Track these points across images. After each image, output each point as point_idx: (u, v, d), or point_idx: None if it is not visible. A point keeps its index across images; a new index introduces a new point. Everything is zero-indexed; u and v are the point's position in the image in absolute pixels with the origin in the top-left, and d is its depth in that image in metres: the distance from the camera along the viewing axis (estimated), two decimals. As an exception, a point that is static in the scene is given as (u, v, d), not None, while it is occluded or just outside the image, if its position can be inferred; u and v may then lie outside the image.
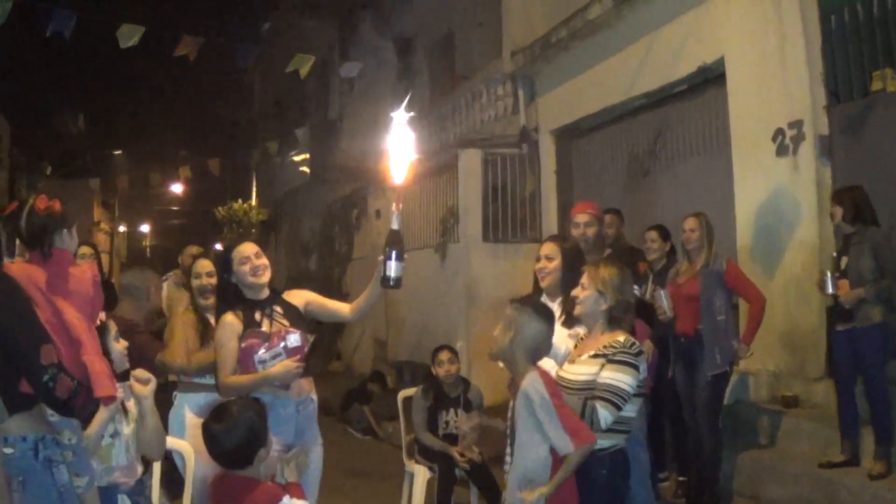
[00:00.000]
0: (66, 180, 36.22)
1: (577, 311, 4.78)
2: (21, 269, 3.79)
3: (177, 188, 39.63)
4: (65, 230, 4.00)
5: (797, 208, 8.17)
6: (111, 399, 3.73)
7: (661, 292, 7.28)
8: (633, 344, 4.55)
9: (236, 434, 3.98)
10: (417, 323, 15.21)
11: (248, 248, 5.34)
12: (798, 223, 8.17)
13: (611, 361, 4.45)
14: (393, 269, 4.99)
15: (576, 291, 4.79)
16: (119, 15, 10.34)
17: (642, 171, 10.65)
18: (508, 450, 4.44)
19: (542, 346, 4.56)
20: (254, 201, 31.18)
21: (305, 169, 23.78)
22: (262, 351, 5.05)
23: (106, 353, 4.06)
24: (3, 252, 4.04)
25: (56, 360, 3.38)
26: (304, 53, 12.98)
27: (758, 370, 8.33)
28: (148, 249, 46.79)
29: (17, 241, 4.01)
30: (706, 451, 7.18)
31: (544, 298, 5.43)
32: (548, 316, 4.64)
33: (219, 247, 16.31)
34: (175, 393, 6.22)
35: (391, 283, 5.04)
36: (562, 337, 5.11)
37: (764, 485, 7.38)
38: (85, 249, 7.41)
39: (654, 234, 8.22)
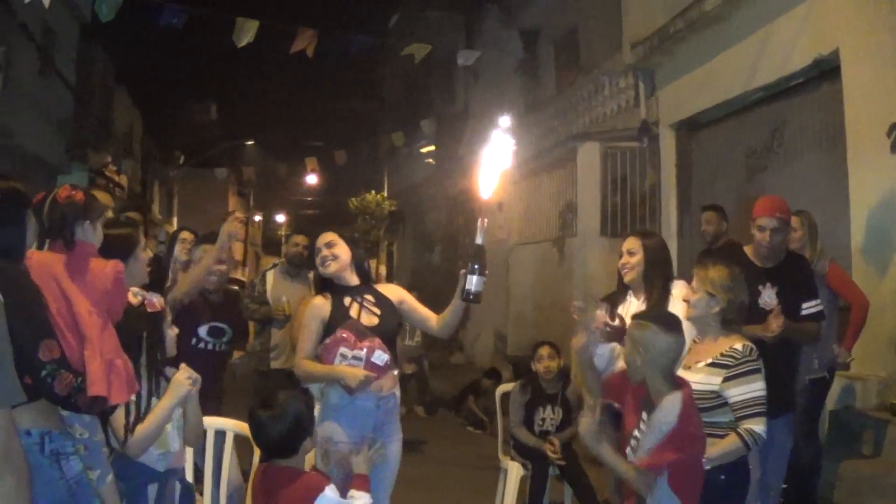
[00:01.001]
0: (198, 170, 37.01)
1: (688, 314, 4.69)
2: (41, 258, 3.73)
3: (311, 179, 40.23)
4: (87, 222, 3.92)
5: (912, 208, 7.81)
6: (102, 400, 3.57)
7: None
8: (752, 350, 4.46)
9: (283, 423, 3.95)
10: (536, 317, 15.17)
11: (322, 238, 5.32)
12: (913, 223, 7.81)
13: (738, 376, 4.37)
14: (474, 283, 4.94)
15: (686, 295, 4.74)
16: (235, 9, 10.35)
17: (760, 167, 10.36)
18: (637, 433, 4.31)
19: (677, 359, 4.38)
20: (385, 192, 31.50)
21: (432, 161, 23.90)
22: (346, 347, 4.99)
23: (160, 339, 4.17)
24: (33, 242, 3.84)
25: (57, 356, 3.33)
26: (429, 44, 13.07)
27: (867, 376, 8.00)
28: (283, 238, 47.52)
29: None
30: (803, 458, 6.94)
31: (629, 295, 5.35)
32: (675, 325, 4.39)
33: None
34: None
35: (471, 298, 4.99)
36: None
37: (864, 497, 7.05)
38: (186, 235, 7.55)
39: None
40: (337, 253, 5.23)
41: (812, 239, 7.09)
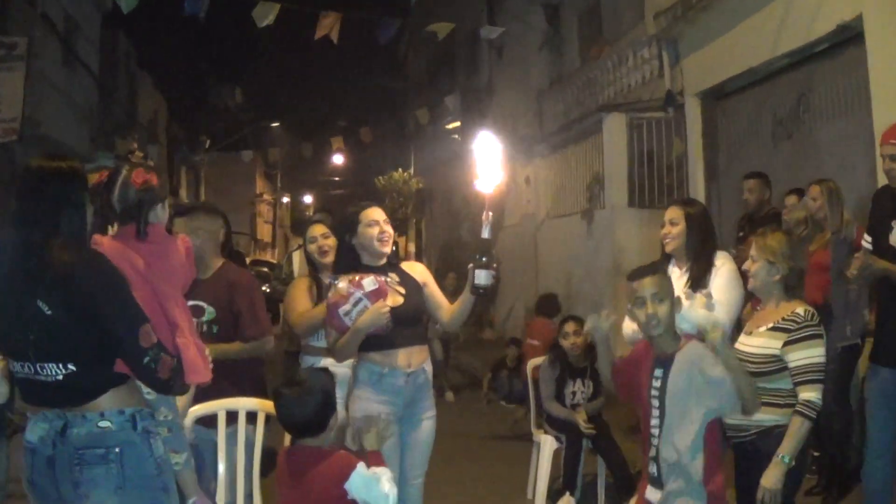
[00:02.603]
0: (225, 153, 37.12)
1: (751, 284, 4.71)
2: (114, 245, 3.66)
3: (338, 159, 40.23)
4: (159, 205, 3.87)
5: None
6: (186, 387, 3.69)
7: None
8: (814, 314, 4.49)
9: (311, 400, 3.93)
10: (566, 290, 15.16)
11: (378, 213, 5.23)
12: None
13: (799, 340, 4.40)
14: (483, 277, 4.93)
15: (746, 265, 4.72)
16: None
17: (786, 134, 10.30)
18: (655, 422, 4.31)
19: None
20: (412, 170, 31.49)
21: (457, 137, 23.86)
22: (343, 307, 4.95)
23: None
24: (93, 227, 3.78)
25: (155, 341, 3.33)
26: (453, 22, 13.05)
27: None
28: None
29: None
30: (835, 426, 6.92)
31: (672, 265, 5.32)
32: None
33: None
34: (301, 355, 6.36)
35: (480, 292, 4.99)
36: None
37: (896, 463, 7.07)
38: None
39: (793, 199, 7.89)
40: (392, 232, 5.23)
41: (835, 208, 7.04)
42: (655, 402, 4.28)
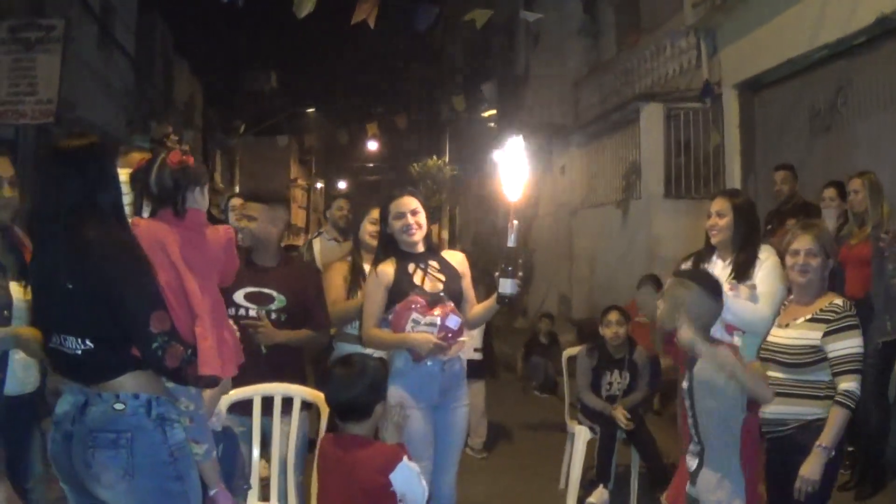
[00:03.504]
0: (260, 138, 37.18)
1: (807, 279, 4.64)
2: (148, 227, 3.63)
3: (372, 145, 40.23)
4: (198, 188, 3.78)
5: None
6: (213, 378, 3.58)
7: None
8: (852, 305, 4.50)
9: (360, 382, 3.95)
10: (600, 280, 15.16)
11: (406, 204, 5.21)
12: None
13: (839, 330, 4.40)
14: (508, 286, 4.94)
15: (805, 259, 4.64)
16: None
17: (823, 127, 10.23)
18: (691, 420, 4.31)
19: (713, 321, 4.40)
20: (447, 158, 31.49)
21: (493, 125, 23.83)
22: (418, 313, 5.01)
23: None
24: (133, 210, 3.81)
25: (168, 328, 3.29)
26: (489, 9, 12.98)
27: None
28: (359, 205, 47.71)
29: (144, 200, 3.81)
30: (872, 422, 6.88)
31: (716, 256, 5.30)
32: (714, 287, 4.43)
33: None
34: (335, 342, 6.30)
35: (506, 301, 5.02)
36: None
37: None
38: (235, 201, 7.55)
39: (831, 192, 7.79)
40: (422, 222, 5.22)
41: (876, 201, 6.99)
42: (688, 402, 4.31)
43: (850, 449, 7.22)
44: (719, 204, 5.29)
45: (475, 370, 8.75)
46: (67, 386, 3.41)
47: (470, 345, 8.59)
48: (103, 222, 3.33)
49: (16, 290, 4.31)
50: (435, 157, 30.78)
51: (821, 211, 7.79)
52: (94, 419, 3.27)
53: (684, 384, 4.34)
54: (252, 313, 5.44)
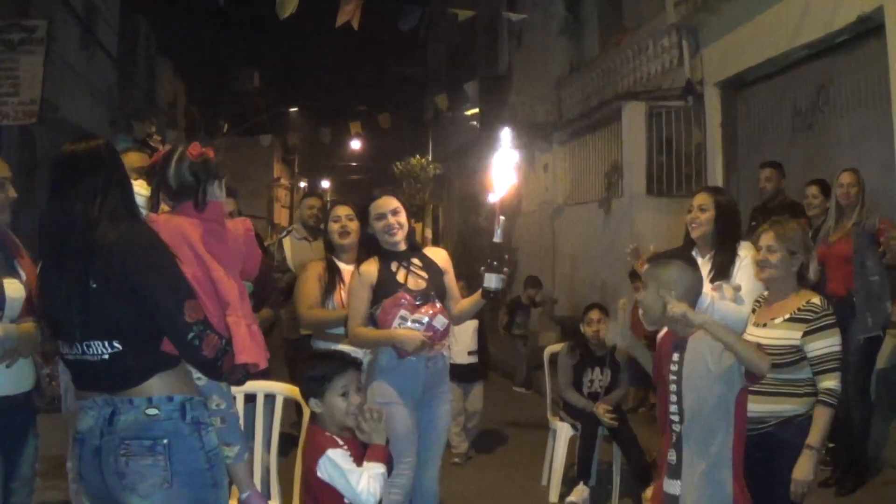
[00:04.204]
0: (243, 138, 37.13)
1: (769, 274, 4.67)
2: (169, 221, 3.60)
3: (355, 144, 40.22)
4: (216, 181, 3.76)
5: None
6: (246, 368, 3.50)
7: None
8: (828, 303, 4.51)
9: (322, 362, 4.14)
10: (583, 278, 15.18)
11: (387, 204, 5.27)
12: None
13: (818, 330, 4.42)
14: (494, 281, 4.98)
15: (764, 255, 4.68)
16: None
17: (805, 125, 10.29)
18: (674, 408, 4.28)
19: (698, 294, 4.38)
20: (430, 156, 31.49)
21: (476, 123, 23.85)
22: (406, 310, 5.05)
23: None
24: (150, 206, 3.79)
25: (202, 317, 3.25)
26: (473, 10, 13.01)
27: (919, 334, 7.94)
28: (328, 204, 47.90)
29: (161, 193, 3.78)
30: (853, 418, 6.91)
31: (694, 252, 5.27)
32: (690, 260, 4.53)
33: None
34: (313, 340, 6.31)
35: (491, 296, 5.06)
36: (705, 288, 5.03)
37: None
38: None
39: (814, 190, 7.84)
40: (403, 221, 5.26)
41: (863, 197, 7.05)
42: (674, 387, 4.27)
43: (831, 445, 7.28)
44: (702, 198, 5.29)
45: (472, 373, 8.84)
46: (89, 400, 3.31)
47: (463, 348, 8.64)
48: (120, 222, 3.28)
49: (9, 286, 4.28)
50: (418, 156, 30.76)
51: (804, 209, 7.83)
52: (126, 427, 3.20)
53: (672, 367, 4.30)
54: None
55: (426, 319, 5.04)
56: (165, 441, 3.18)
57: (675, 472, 4.20)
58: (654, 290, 4.21)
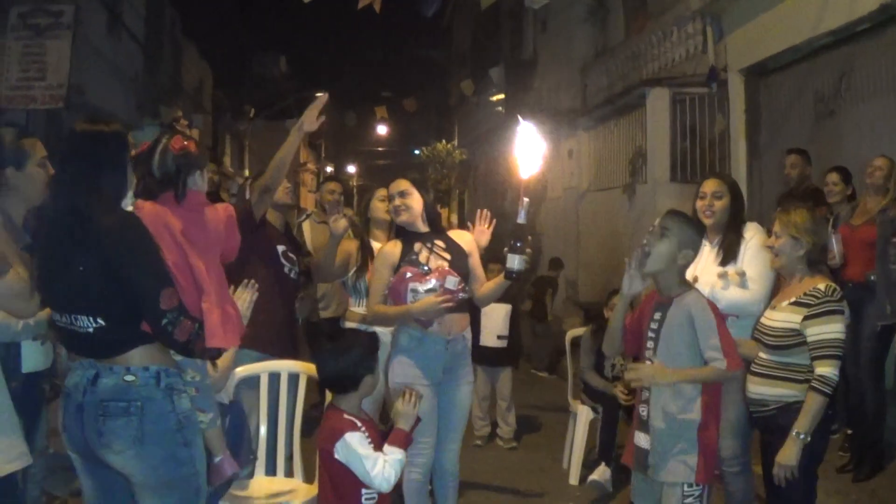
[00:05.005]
0: (269, 122, 37.08)
1: (775, 263, 4.73)
2: (152, 209, 3.75)
3: (381, 129, 40.23)
4: (198, 172, 3.95)
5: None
6: (219, 351, 3.73)
7: (834, 236, 6.96)
8: (835, 290, 4.49)
9: (346, 356, 4.17)
10: (606, 264, 15.22)
11: (395, 186, 5.45)
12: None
13: (818, 315, 4.40)
14: (516, 262, 5.01)
15: (769, 241, 4.74)
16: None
17: (827, 112, 10.30)
18: (648, 364, 4.42)
19: (692, 260, 4.52)
20: (456, 142, 31.52)
21: (501, 109, 23.87)
22: (415, 282, 5.14)
23: None
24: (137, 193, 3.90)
25: (177, 304, 3.45)
26: (499, -7, 12.99)
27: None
28: (354, 189, 47.85)
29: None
30: (869, 405, 6.93)
31: (703, 239, 5.33)
32: (700, 226, 4.66)
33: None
34: (342, 321, 6.48)
35: (513, 276, 5.09)
36: (710, 277, 5.10)
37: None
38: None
39: (834, 177, 7.80)
40: (409, 203, 5.36)
41: (891, 184, 7.03)
42: (650, 344, 4.42)
43: (848, 432, 7.32)
44: (714, 185, 5.34)
45: (500, 357, 8.87)
46: (77, 361, 3.56)
47: (493, 331, 8.70)
48: (112, 207, 3.47)
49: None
50: (444, 141, 30.82)
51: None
52: (106, 390, 3.42)
53: (651, 325, 4.44)
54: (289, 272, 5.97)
55: (435, 282, 5.12)
56: (139, 403, 3.42)
57: (645, 427, 4.38)
58: (658, 235, 4.38)
